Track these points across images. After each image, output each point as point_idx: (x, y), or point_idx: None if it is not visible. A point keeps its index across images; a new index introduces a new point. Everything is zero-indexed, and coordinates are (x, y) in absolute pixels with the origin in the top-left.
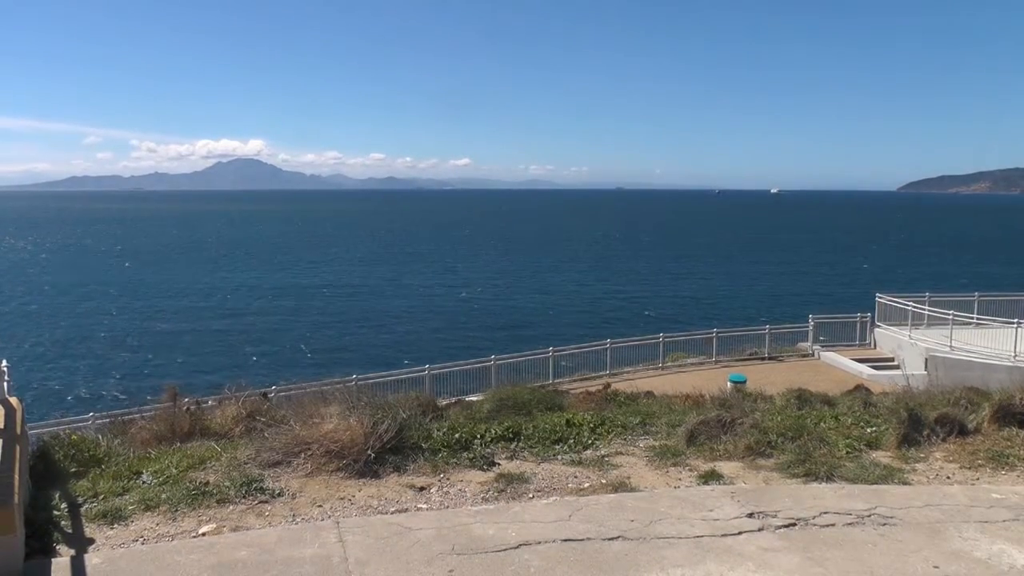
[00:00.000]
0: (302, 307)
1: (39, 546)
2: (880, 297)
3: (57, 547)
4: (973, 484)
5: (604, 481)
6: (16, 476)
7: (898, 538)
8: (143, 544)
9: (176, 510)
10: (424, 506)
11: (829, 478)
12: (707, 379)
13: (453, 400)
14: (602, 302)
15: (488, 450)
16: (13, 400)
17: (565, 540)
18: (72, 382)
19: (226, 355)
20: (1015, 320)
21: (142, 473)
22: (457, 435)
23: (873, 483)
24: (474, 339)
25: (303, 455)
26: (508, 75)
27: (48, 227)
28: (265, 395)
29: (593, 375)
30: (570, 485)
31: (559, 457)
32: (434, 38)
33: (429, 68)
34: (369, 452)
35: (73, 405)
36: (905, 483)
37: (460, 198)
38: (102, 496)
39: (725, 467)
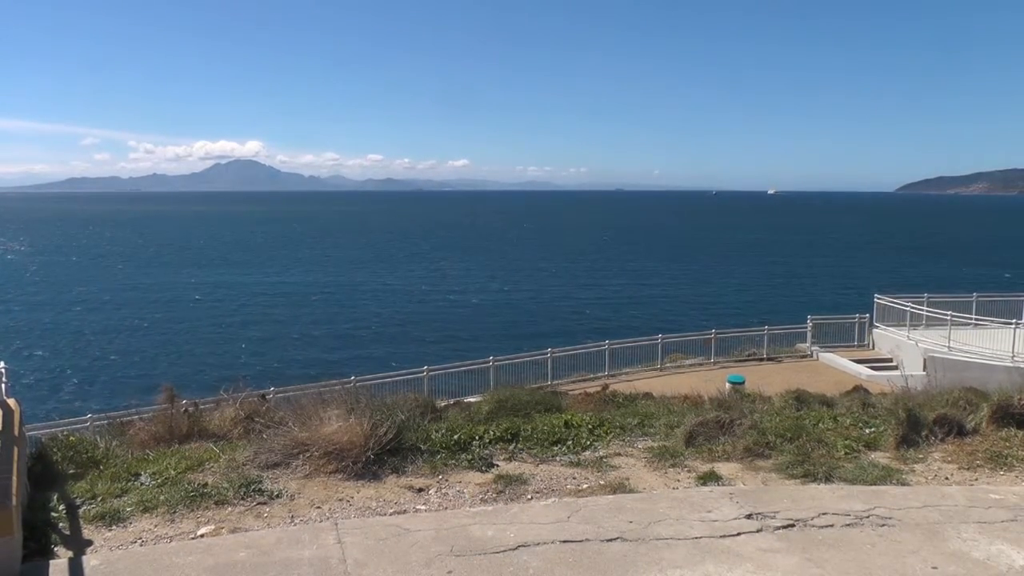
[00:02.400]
0: (299, 308)
1: (37, 548)
2: (878, 298)
3: (55, 549)
4: (972, 485)
5: (603, 482)
6: (14, 478)
7: (897, 539)
8: (141, 546)
9: (174, 511)
10: (423, 507)
11: (828, 479)
12: (705, 380)
13: (452, 401)
14: (600, 303)
15: (487, 451)
16: (11, 401)
17: (564, 541)
18: (70, 383)
19: (222, 356)
20: (1013, 321)
21: (140, 474)
22: (456, 436)
23: (871, 484)
24: (472, 340)
25: (302, 457)
26: (507, 76)
27: (45, 229)
28: (263, 396)
29: (592, 376)
30: (569, 486)
31: (558, 458)
32: (433, 39)
33: (427, 69)
34: (368, 454)
35: (71, 406)
36: (904, 484)
37: (459, 199)
38: (100, 497)
39: (724, 468)
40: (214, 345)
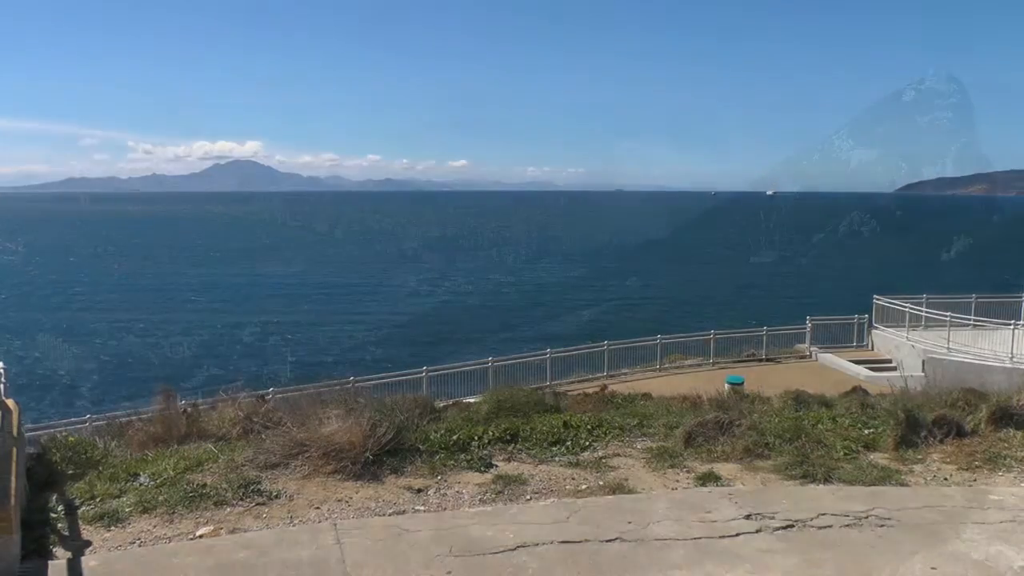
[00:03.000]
0: (296, 308)
1: (36, 548)
2: (877, 299)
3: (54, 549)
4: (970, 485)
5: (602, 483)
6: (13, 478)
7: (896, 539)
8: (140, 546)
9: (173, 512)
10: (422, 508)
11: (827, 480)
12: (704, 381)
13: (450, 402)
14: (599, 303)
15: (486, 452)
16: (10, 402)
17: (563, 542)
18: (66, 384)
19: (219, 357)
20: (1012, 322)
21: (139, 475)
22: (455, 437)
23: (871, 484)
24: (471, 341)
25: (301, 457)
26: (506, 77)
27: (42, 229)
28: (262, 397)
29: (590, 377)
30: (568, 487)
31: (557, 459)
32: (431, 40)
33: (426, 70)
34: (367, 454)
35: (67, 407)
36: (903, 484)
37: (458, 199)
38: (99, 498)
39: (723, 469)
40: (210, 346)
